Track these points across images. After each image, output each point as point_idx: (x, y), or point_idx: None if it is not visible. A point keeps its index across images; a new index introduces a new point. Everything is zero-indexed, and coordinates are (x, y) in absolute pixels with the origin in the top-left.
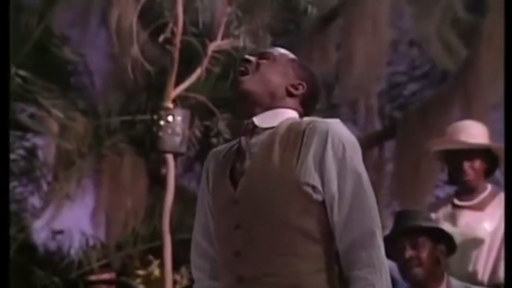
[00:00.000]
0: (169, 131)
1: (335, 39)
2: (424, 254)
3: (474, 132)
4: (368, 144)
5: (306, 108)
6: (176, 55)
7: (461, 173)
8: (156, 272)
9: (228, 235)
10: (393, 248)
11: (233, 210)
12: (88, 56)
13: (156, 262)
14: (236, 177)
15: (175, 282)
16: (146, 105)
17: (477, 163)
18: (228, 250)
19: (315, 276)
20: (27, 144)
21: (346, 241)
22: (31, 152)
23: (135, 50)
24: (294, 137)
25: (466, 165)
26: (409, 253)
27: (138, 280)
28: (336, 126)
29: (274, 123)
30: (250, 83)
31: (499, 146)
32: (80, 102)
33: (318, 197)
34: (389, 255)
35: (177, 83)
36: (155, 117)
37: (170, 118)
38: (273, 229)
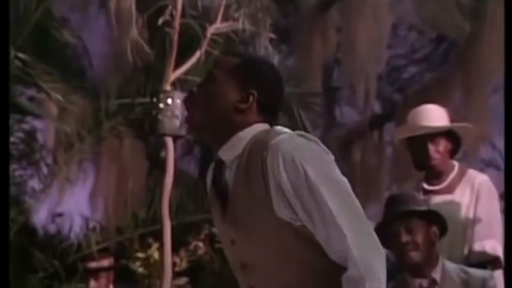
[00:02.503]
0: (169, 114)
1: (335, 22)
2: (419, 238)
3: (435, 115)
4: (368, 127)
5: (269, 111)
6: (175, 38)
7: (427, 158)
8: (156, 255)
9: (238, 271)
10: (387, 233)
11: (233, 248)
12: (87, 39)
13: (155, 245)
14: (226, 217)
15: (174, 265)
16: (146, 88)
17: (442, 146)
18: (242, 285)
19: None
20: (26, 127)
21: (334, 261)
22: (31, 135)
23: (134, 33)
24: (256, 169)
25: (432, 149)
26: (404, 238)
27: (138, 263)
28: (288, 143)
29: (238, 151)
30: (196, 117)
31: (461, 125)
32: (79, 85)
33: (298, 222)
34: (384, 241)
35: (176, 66)
36: (155, 100)
37: (169, 101)
38: (275, 264)
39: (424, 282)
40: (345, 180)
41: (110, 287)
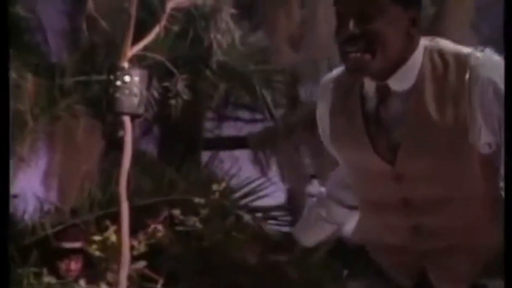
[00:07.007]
0: (126, 91)
1: None
2: None
3: None
4: None
5: (417, 19)
6: (133, 12)
7: None
8: (113, 238)
9: (395, 207)
10: None
11: (397, 185)
12: (41, 13)
13: (112, 228)
14: (386, 152)
15: (132, 248)
16: (102, 64)
17: None
18: (401, 224)
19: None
20: None
21: None
22: None
23: (90, 7)
24: (453, 95)
25: None
26: None
27: (94, 246)
28: (497, 71)
29: (410, 82)
30: (373, 64)
31: None
32: (33, 61)
33: (489, 150)
34: None
35: (134, 42)
36: (111, 77)
37: (127, 78)
38: (446, 198)
39: None
40: None
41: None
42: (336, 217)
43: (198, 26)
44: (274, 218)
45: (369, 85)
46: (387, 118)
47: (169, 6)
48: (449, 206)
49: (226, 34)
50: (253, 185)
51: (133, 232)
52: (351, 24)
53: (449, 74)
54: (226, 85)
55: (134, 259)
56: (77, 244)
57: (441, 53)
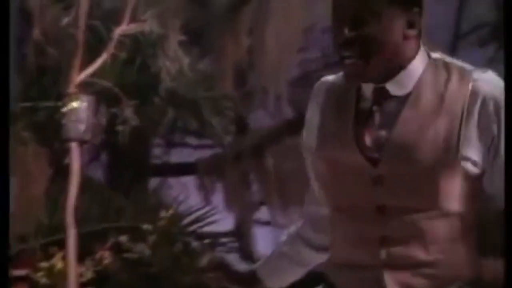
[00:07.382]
0: (73, 118)
1: (247, 24)
2: None
3: None
4: (280, 133)
5: (415, 21)
6: (80, 39)
7: None
8: (60, 264)
9: (368, 215)
10: None
11: (375, 189)
12: None
13: (59, 254)
14: (369, 150)
15: (79, 275)
16: (49, 91)
17: None
18: (370, 233)
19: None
20: None
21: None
22: None
23: (36, 33)
24: (450, 106)
25: None
26: None
27: (41, 273)
28: (492, 86)
29: (408, 88)
30: (370, 69)
31: None
32: None
33: (474, 170)
34: None
35: (82, 68)
36: (59, 103)
37: (74, 104)
38: (422, 208)
39: None
40: None
41: None
42: (302, 257)
43: (146, 53)
44: (222, 244)
45: (367, 87)
46: (379, 119)
47: (117, 32)
48: (421, 220)
49: (174, 61)
50: (202, 211)
51: (80, 259)
52: (346, 30)
53: (451, 85)
54: (174, 111)
55: (81, 286)
56: (23, 271)
57: (446, 65)
